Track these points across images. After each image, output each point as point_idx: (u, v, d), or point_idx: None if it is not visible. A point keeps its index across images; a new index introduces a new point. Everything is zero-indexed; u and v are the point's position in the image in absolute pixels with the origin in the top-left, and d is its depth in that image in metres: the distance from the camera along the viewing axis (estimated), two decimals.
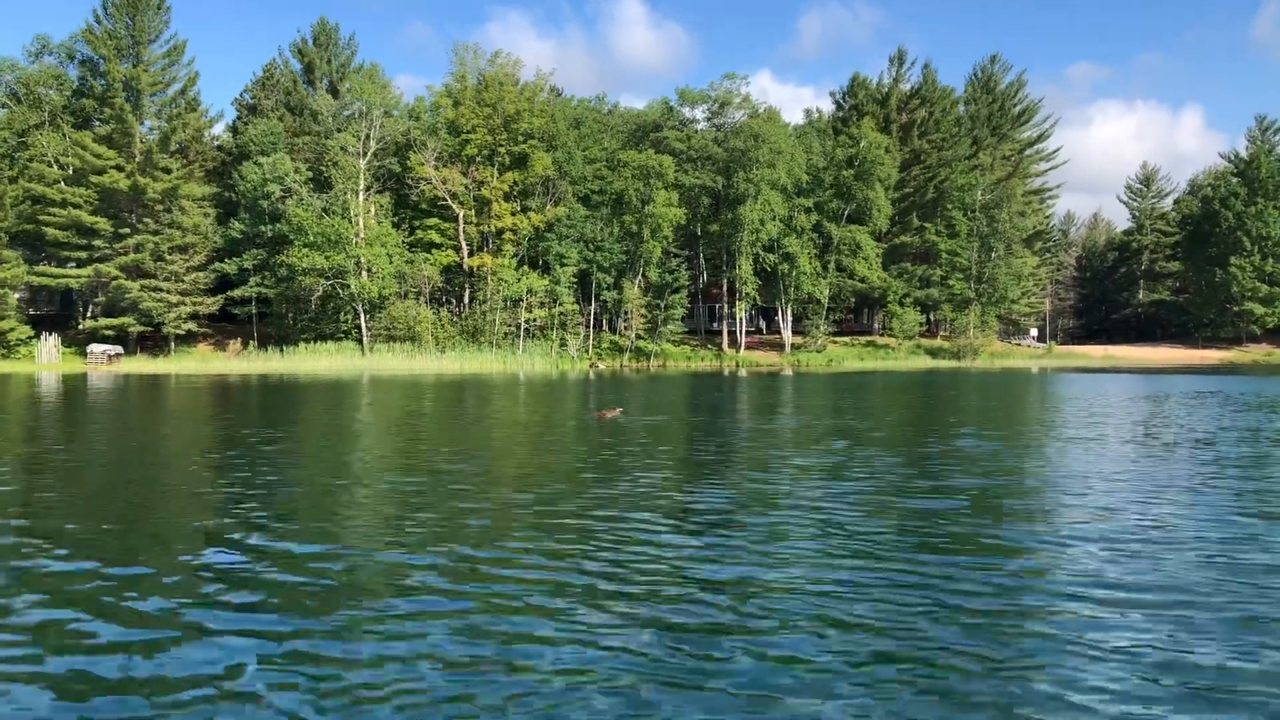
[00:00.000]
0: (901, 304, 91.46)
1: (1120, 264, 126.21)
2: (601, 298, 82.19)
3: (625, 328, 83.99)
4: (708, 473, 10.37)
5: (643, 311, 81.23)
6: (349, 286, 73.19)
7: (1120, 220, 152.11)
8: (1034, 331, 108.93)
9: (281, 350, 70.54)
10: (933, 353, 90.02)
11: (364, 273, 74.42)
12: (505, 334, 76.37)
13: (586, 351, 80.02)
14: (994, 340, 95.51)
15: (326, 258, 72.36)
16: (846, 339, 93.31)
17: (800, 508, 7.98)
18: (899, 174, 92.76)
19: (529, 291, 76.09)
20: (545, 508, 8.61)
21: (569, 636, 5.06)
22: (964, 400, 28.52)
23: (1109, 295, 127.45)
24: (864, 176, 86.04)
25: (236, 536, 7.27)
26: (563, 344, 78.66)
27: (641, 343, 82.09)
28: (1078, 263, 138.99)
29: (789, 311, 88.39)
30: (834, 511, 7.74)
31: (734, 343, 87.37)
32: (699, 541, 6.81)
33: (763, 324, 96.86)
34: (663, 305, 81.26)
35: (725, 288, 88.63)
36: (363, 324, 73.94)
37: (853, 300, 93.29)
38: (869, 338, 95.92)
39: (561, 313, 78.07)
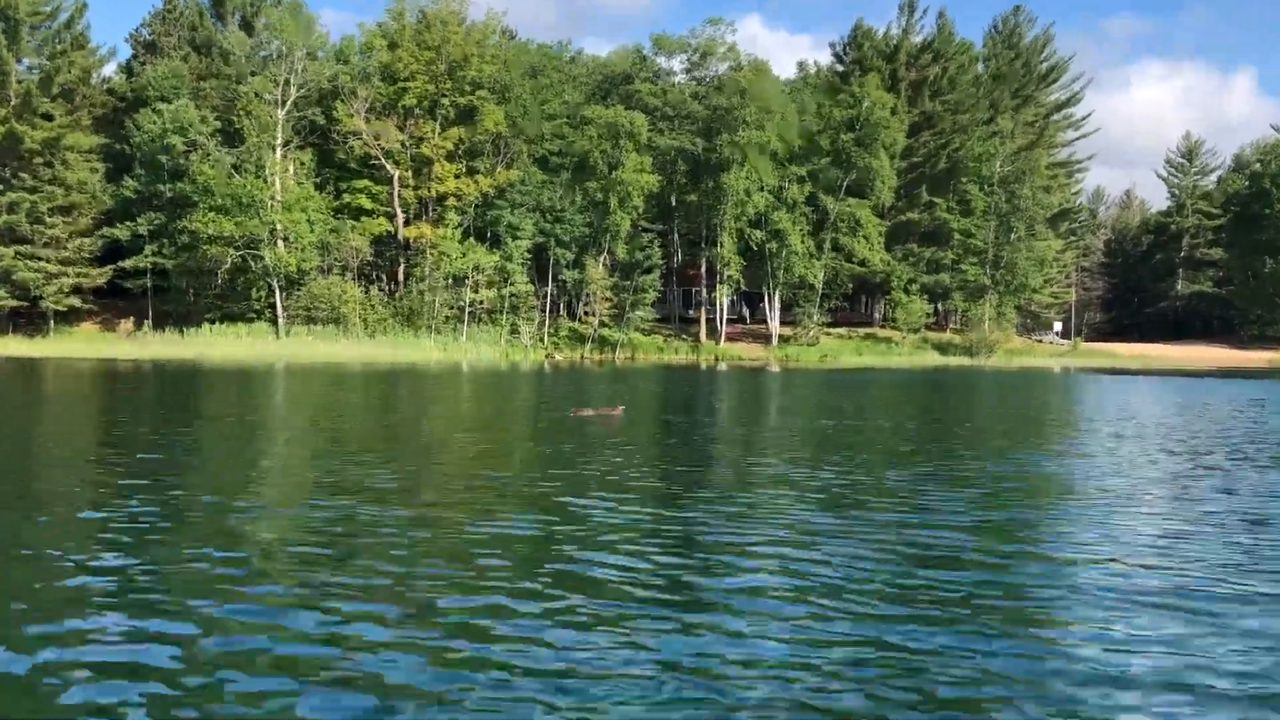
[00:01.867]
0: (907, 291, 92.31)
1: (1156, 249, 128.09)
2: (560, 278, 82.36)
3: (587, 313, 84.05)
4: (663, 498, 10.05)
5: (608, 295, 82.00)
6: (263, 258, 72.85)
7: (1157, 199, 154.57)
8: (1057, 326, 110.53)
9: (181, 332, 70.10)
10: (941, 348, 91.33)
11: (280, 242, 74.09)
12: (446, 318, 76.85)
13: (542, 340, 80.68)
14: (1012, 335, 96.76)
15: (237, 224, 71.95)
16: (843, 331, 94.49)
17: (780, 556, 7.65)
18: (906, 140, 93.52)
19: (475, 268, 76.50)
20: (478, 533, 8.32)
21: None
22: (975, 405, 28.62)
23: (1142, 285, 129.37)
24: (866, 142, 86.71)
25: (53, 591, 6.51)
26: (514, 331, 79.09)
27: (606, 331, 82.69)
28: (1107, 247, 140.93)
29: (777, 298, 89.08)
30: (818, 562, 7.39)
31: (713, 333, 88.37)
32: (637, 620, 6.12)
33: (746, 312, 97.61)
34: (632, 288, 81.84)
35: (704, 269, 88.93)
36: (278, 302, 73.65)
37: (850, 286, 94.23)
38: (869, 330, 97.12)
39: (513, 294, 78.52)
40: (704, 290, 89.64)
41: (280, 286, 73.81)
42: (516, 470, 12.32)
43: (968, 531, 8.64)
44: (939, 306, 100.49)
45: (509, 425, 19.67)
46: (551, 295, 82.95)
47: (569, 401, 24.70)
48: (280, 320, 73.06)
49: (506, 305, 78.62)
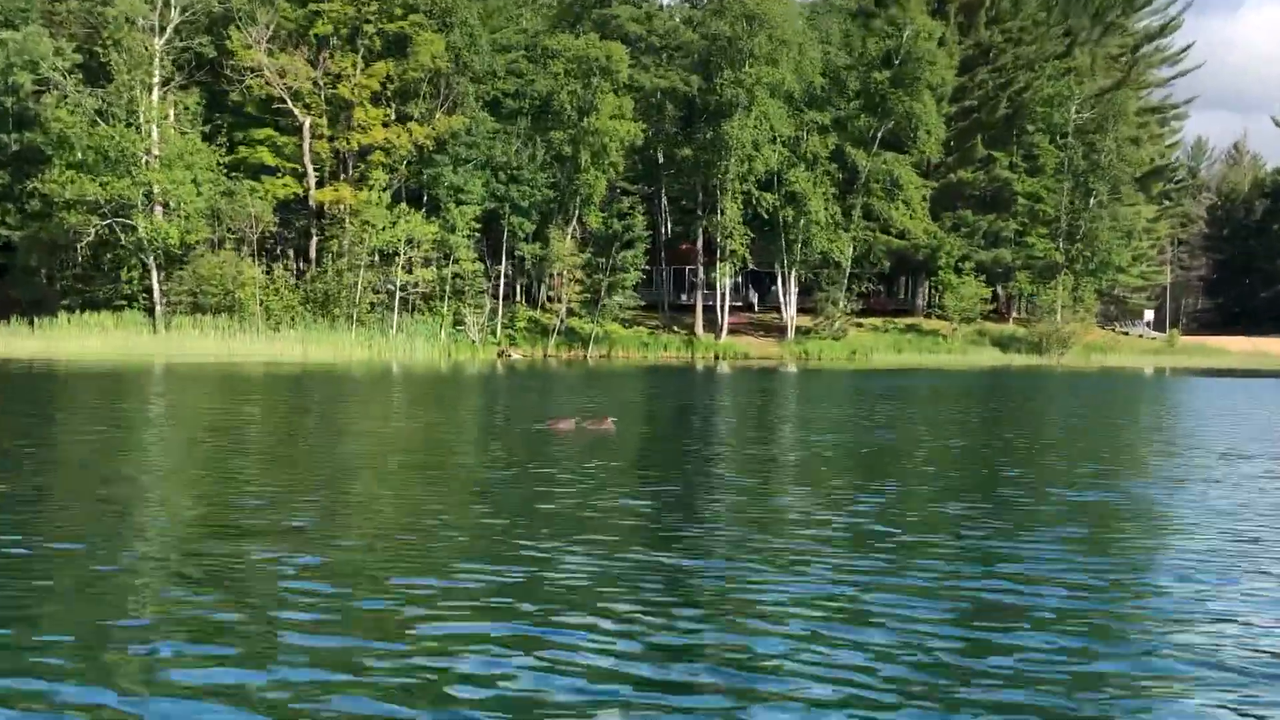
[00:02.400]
0: (958, 271, 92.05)
1: (1274, 217, 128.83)
2: (518, 254, 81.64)
3: (552, 299, 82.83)
4: (655, 542, 9.99)
5: (579, 276, 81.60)
6: (135, 229, 72.28)
7: (1275, 153, 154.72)
8: (1148, 315, 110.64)
9: (31, 323, 69.01)
10: (1002, 343, 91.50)
11: (158, 209, 73.58)
12: (372, 305, 76.71)
13: (493, 334, 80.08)
14: (1092, 327, 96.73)
15: (102, 185, 71.32)
16: (877, 321, 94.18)
17: (808, 619, 7.50)
18: (957, 79, 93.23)
19: (408, 242, 76.31)
20: (408, 589, 8.13)
21: None
22: (1046, 417, 28.51)
23: (1255, 263, 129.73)
24: (906, 81, 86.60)
25: None
26: (459, 322, 78.76)
27: (576, 322, 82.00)
28: (1211, 215, 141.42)
29: (793, 279, 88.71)
30: (860, 625, 7.27)
31: (712, 324, 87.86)
32: None
33: (754, 297, 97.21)
34: (608, 267, 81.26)
35: (700, 243, 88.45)
36: (155, 286, 73.20)
37: (887, 264, 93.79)
38: (910, 319, 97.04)
39: (457, 275, 78.27)
40: (700, 270, 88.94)
41: (158, 265, 73.25)
42: (458, 506, 11.93)
43: (1050, 584, 8.58)
44: (999, 290, 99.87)
45: (455, 443, 19.40)
46: (506, 277, 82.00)
47: (527, 415, 24.59)
48: (158, 309, 72.47)
49: (449, 289, 78.25)
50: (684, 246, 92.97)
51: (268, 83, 76.52)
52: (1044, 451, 19.39)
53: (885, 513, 11.56)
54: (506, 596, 7.77)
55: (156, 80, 75.57)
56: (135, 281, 73.80)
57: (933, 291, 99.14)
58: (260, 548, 9.36)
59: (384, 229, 75.43)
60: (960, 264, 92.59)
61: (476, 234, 79.46)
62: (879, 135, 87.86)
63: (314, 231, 79.30)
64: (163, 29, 75.78)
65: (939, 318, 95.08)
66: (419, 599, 7.66)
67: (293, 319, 73.75)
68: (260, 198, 75.35)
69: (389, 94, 79.30)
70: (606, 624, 7.13)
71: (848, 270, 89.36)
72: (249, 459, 16.46)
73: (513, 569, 8.57)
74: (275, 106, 77.76)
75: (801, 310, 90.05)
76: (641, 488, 13.50)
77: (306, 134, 78.26)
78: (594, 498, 12.40)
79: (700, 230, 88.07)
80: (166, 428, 21.47)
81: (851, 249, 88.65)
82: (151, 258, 72.99)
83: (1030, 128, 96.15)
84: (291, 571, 8.46)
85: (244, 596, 7.78)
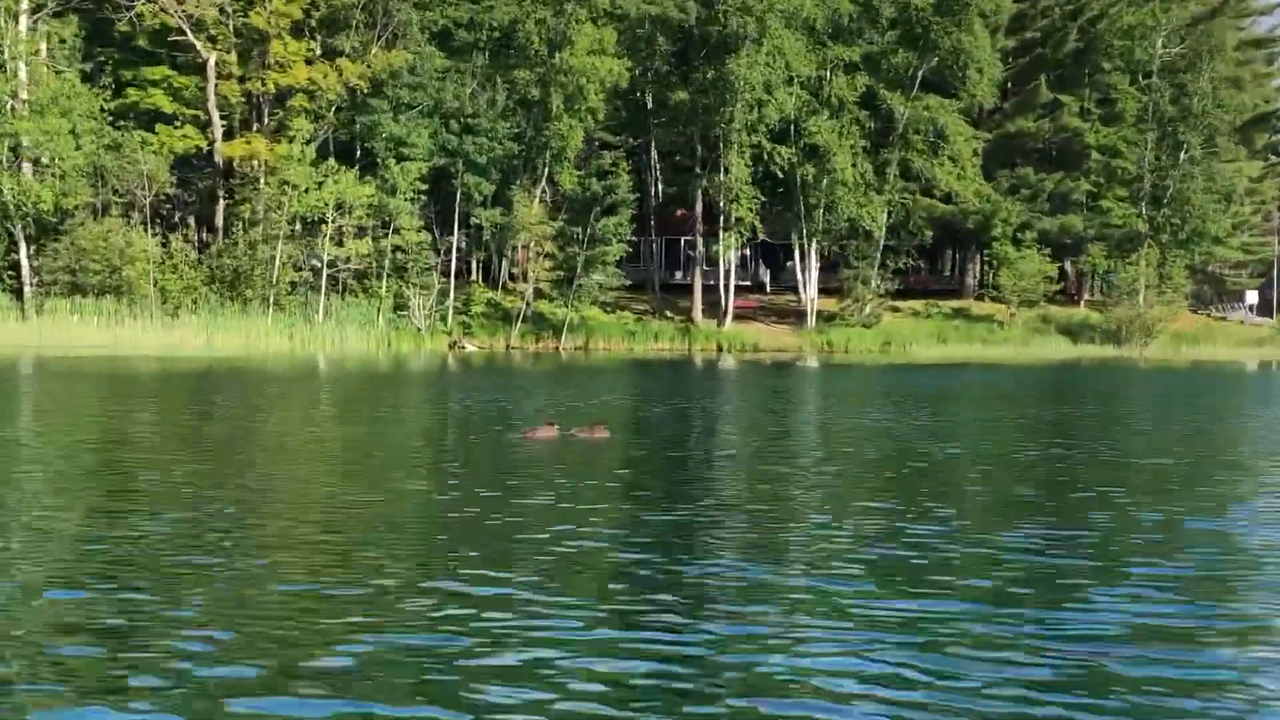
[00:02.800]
0: (1017, 242, 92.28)
1: None
2: (474, 222, 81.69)
3: (516, 278, 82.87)
4: (665, 595, 9.09)
5: (549, 249, 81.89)
6: None
7: None
8: (1251, 297, 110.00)
9: None
10: (1072, 331, 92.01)
11: (26, 166, 72.68)
12: (293, 286, 76.82)
13: (443, 321, 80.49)
14: (1182, 311, 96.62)
15: None
16: (917, 304, 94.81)
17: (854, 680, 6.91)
18: (1016, 5, 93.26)
19: (338, 208, 75.95)
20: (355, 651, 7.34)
21: None
22: (1129, 422, 27.82)
23: None
24: (955, 9, 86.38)
25: None
26: (401, 306, 79.12)
27: (546, 306, 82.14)
28: None
29: (814, 254, 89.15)
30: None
31: (714, 308, 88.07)
32: None
33: (766, 276, 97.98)
34: (585, 238, 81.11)
35: (700, 208, 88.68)
36: (23, 261, 72.43)
37: (930, 235, 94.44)
38: (958, 302, 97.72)
39: (399, 249, 78.56)
40: (700, 242, 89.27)
41: (27, 236, 72.54)
42: (403, 547, 11.09)
43: (1151, 639, 8.08)
44: (1067, 267, 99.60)
45: (400, 460, 18.58)
46: (460, 250, 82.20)
47: (492, 421, 24.26)
48: (26, 289, 71.64)
49: (388, 266, 78.43)
50: (679, 213, 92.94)
51: (163, 9, 75.44)
52: (1134, 470, 18.34)
53: (941, 548, 10.97)
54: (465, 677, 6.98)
55: (24, 7, 74.47)
56: None
57: (985, 268, 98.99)
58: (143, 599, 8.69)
59: (308, 191, 75.01)
60: (1020, 234, 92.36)
61: (422, 197, 79.40)
62: (920, 75, 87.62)
63: (221, 194, 78.83)
64: None
65: (993, 300, 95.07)
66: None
67: (194, 302, 73.16)
68: (154, 152, 74.49)
69: (313, 24, 78.69)
70: None
71: (881, 242, 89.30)
72: (127, 485, 15.08)
73: (481, 640, 7.73)
74: (172, 39, 76.73)
75: (824, 291, 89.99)
76: (643, 515, 12.89)
77: (211, 73, 77.37)
78: (586, 528, 11.66)
79: (699, 193, 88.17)
80: (24, 443, 20.10)
81: (886, 216, 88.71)
82: (19, 226, 71.94)
83: (1106, 66, 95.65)
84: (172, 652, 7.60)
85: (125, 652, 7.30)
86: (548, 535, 11.52)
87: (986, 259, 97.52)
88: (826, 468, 17.68)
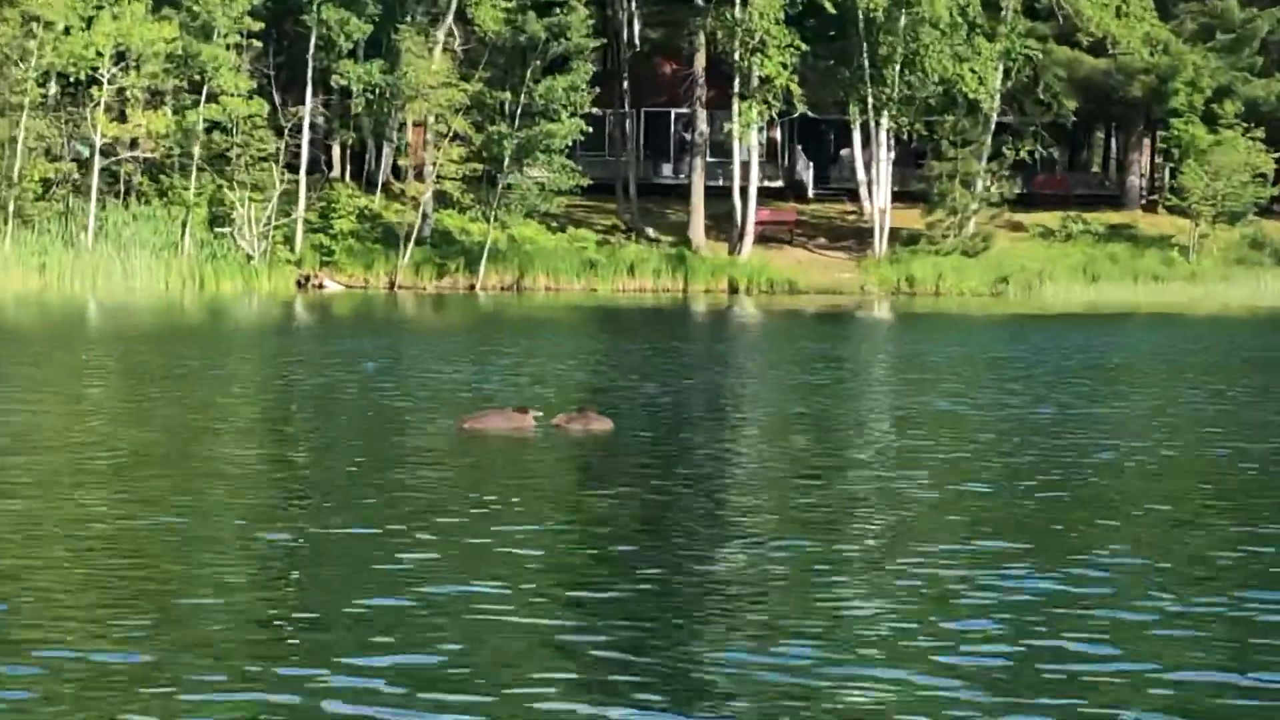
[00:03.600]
0: (1211, 120, 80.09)
1: None
2: (338, 82, 72.36)
3: (407, 175, 73.33)
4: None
5: (459, 129, 73.11)
6: None
7: None
8: None
9: None
10: None
11: None
12: (46, 187, 69.59)
13: (288, 243, 71.85)
14: None
15: None
16: (1050, 217, 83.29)
17: None
18: None
19: (119, 59, 68.18)
20: None
21: None
22: None
23: None
24: None
25: None
26: (221, 220, 70.52)
27: (455, 220, 73.99)
28: None
29: (884, 136, 78.68)
30: None
31: (724, 224, 78.88)
32: None
33: (807, 172, 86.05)
34: (515, 111, 72.45)
35: (700, 63, 77.90)
36: None
37: (1071, 108, 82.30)
38: (1115, 216, 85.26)
39: (217, 126, 70.61)
40: (701, 119, 78.32)
41: None
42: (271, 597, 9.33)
43: None
44: None
45: (239, 488, 14.48)
46: (315, 129, 74.18)
47: (405, 409, 22.06)
48: None
49: (199, 155, 70.04)
50: (667, 69, 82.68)
51: None
52: None
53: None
54: None
55: None
56: None
57: (1160, 162, 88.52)
58: None
59: (69, 32, 68.62)
60: (1215, 106, 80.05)
61: (255, 43, 71.83)
62: None
63: None
64: None
65: (1172, 212, 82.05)
66: None
67: None
68: None
69: None
70: None
71: (993, 120, 79.29)
72: None
73: None
74: None
75: (901, 198, 79.70)
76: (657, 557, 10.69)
77: None
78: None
79: (699, 38, 77.91)
80: None
81: (1002, 76, 78.60)
82: None
83: None
84: None
85: None
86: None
87: (1162, 147, 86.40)
88: (936, 492, 14.35)
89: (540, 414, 18.49)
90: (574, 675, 7.18)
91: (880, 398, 26.88)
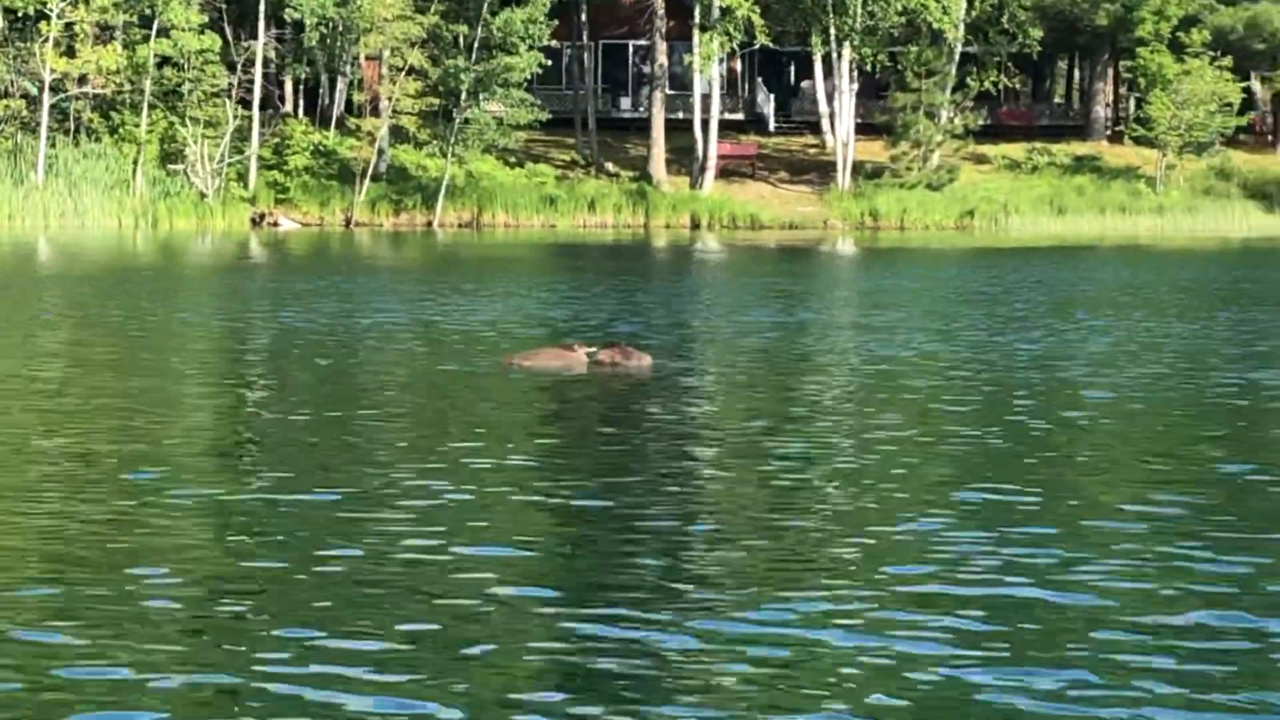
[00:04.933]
0: (1177, 48, 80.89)
1: None
2: (291, 15, 72.40)
3: (362, 110, 75.61)
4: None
5: (415, 63, 73.92)
6: None
7: None
8: None
9: None
10: (1266, 194, 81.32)
11: None
12: None
13: (242, 181, 72.84)
14: None
15: None
16: (1016, 149, 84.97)
17: None
18: None
19: None
20: None
21: None
22: None
23: None
24: None
25: None
26: (173, 157, 71.66)
27: (410, 156, 75.77)
28: None
29: (847, 68, 79.47)
30: None
31: (684, 158, 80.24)
32: None
33: (768, 105, 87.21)
34: (472, 43, 72.69)
35: (660, 1, 78.20)
36: None
37: (1036, 37, 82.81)
38: (1081, 147, 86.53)
39: (168, 61, 71.27)
40: (661, 50, 79.11)
41: None
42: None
43: None
44: (1257, 88, 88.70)
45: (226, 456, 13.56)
46: (269, 66, 75.26)
47: (401, 351, 21.81)
48: None
49: (152, 91, 70.68)
50: (625, 3, 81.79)
51: None
52: None
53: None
54: None
55: None
56: None
57: (1124, 92, 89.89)
58: None
59: None
60: (1182, 34, 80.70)
61: None
62: None
63: None
64: None
65: (1138, 143, 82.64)
66: None
67: None
68: None
69: None
70: None
71: (958, 50, 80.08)
72: None
73: None
74: None
75: (864, 130, 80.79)
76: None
77: None
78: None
79: None
80: None
81: (965, 6, 79.15)
82: None
83: None
84: None
85: None
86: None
87: (1127, 77, 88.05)
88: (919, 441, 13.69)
89: (593, 350, 18.50)
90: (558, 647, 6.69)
91: (851, 335, 26.61)
